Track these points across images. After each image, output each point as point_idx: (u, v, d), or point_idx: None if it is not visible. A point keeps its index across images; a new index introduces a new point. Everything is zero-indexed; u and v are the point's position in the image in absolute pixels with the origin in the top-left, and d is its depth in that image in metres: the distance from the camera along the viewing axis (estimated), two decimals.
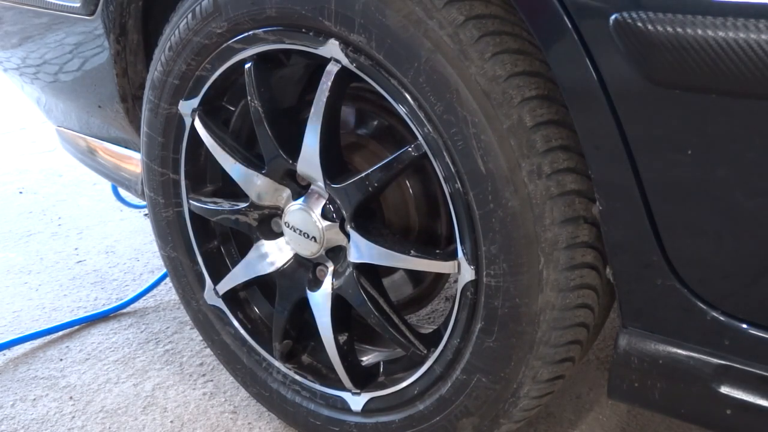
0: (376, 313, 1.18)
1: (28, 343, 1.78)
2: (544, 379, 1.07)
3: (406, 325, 1.19)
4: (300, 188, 1.22)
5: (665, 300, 0.91)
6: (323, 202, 1.18)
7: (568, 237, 0.96)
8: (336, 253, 1.23)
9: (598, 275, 1.02)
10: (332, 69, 1.07)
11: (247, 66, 1.17)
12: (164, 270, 1.73)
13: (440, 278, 1.34)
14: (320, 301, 1.24)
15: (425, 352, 1.16)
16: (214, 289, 1.38)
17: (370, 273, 1.20)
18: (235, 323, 1.39)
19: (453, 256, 1.05)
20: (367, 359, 1.34)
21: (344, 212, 1.15)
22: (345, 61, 1.05)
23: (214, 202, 1.34)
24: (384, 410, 1.23)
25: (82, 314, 1.89)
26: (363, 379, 1.27)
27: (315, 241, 1.19)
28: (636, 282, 0.93)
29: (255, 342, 1.38)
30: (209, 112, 1.27)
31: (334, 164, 1.16)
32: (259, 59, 1.17)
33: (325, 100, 1.09)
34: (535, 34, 0.88)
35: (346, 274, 1.20)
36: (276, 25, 1.10)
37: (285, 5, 1.06)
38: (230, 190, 1.33)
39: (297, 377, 1.34)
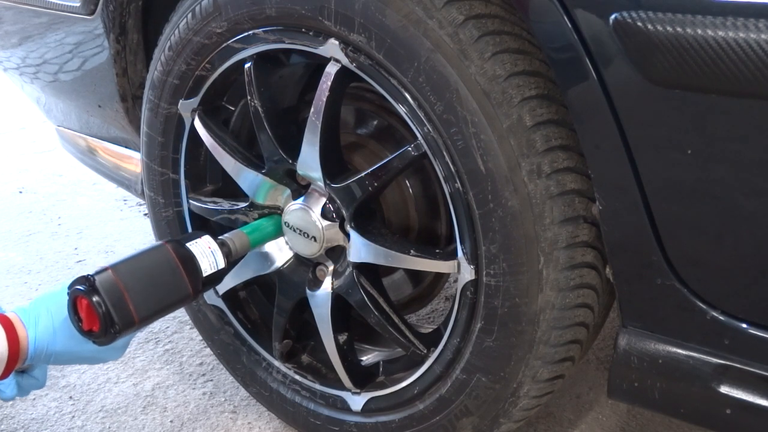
0: (376, 312, 1.18)
1: None
2: (543, 379, 1.07)
3: (406, 325, 1.19)
4: (300, 188, 1.22)
5: (665, 300, 0.91)
6: (323, 201, 1.18)
7: (567, 236, 0.96)
8: (336, 252, 1.23)
9: (598, 275, 1.02)
10: (332, 69, 1.07)
11: (246, 66, 1.17)
12: None
13: (440, 278, 1.34)
14: (320, 300, 1.24)
15: (425, 351, 1.16)
16: (214, 288, 1.38)
17: (370, 273, 1.20)
18: (235, 323, 1.39)
19: (453, 255, 1.05)
20: (366, 359, 1.34)
21: (344, 212, 1.15)
22: (345, 61, 1.05)
23: (214, 202, 1.34)
24: (384, 410, 1.23)
25: None
26: (363, 378, 1.27)
27: (315, 240, 1.19)
28: (636, 282, 0.93)
29: (255, 341, 1.38)
30: (209, 111, 1.27)
31: (334, 164, 1.16)
32: (259, 59, 1.17)
33: (324, 99, 1.09)
34: (534, 33, 0.88)
35: (346, 273, 1.20)
36: (276, 24, 1.10)
37: (285, 5, 1.06)
38: (230, 189, 1.33)
39: (297, 377, 1.34)
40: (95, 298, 0.98)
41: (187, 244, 1.05)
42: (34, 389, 1.13)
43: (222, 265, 1.07)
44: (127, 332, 1.01)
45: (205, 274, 1.04)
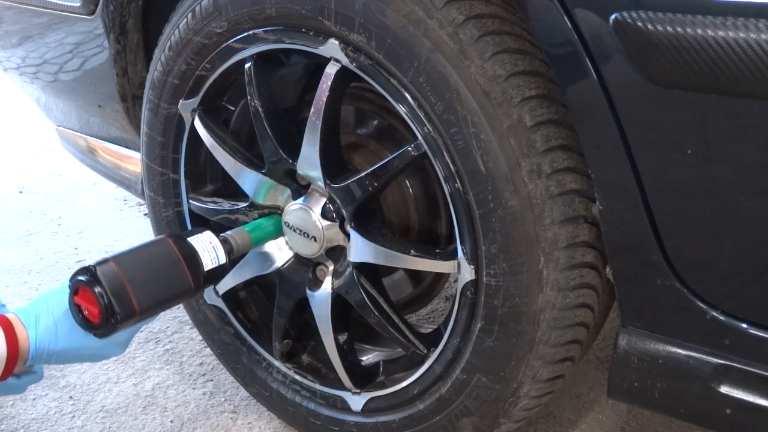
0: (376, 312, 1.18)
1: None
2: (543, 379, 1.07)
3: (406, 325, 1.19)
4: (300, 188, 1.22)
5: (665, 300, 0.91)
6: (323, 201, 1.18)
7: (567, 236, 0.96)
8: (336, 252, 1.23)
9: (598, 275, 1.02)
10: (332, 69, 1.07)
11: (247, 66, 1.17)
12: None
13: (440, 278, 1.34)
14: (320, 300, 1.24)
15: (425, 351, 1.16)
16: (214, 288, 1.38)
17: (370, 273, 1.20)
18: (235, 323, 1.39)
19: (453, 255, 1.05)
20: (367, 359, 1.34)
21: (344, 212, 1.15)
22: (345, 61, 1.05)
23: (214, 202, 1.34)
24: (384, 410, 1.23)
25: None
26: (363, 378, 1.27)
27: (315, 240, 1.19)
28: (636, 282, 0.93)
29: (255, 341, 1.38)
30: (209, 111, 1.27)
31: (334, 164, 1.16)
32: (259, 59, 1.17)
33: (325, 99, 1.09)
34: (534, 33, 0.88)
35: (346, 273, 1.20)
36: (276, 24, 1.10)
37: (285, 5, 1.06)
38: (230, 189, 1.33)
39: (297, 377, 1.34)
40: (97, 288, 0.98)
41: (189, 239, 1.05)
42: (32, 384, 1.13)
43: (223, 260, 1.06)
44: (128, 323, 1.01)
45: (206, 269, 1.04)
